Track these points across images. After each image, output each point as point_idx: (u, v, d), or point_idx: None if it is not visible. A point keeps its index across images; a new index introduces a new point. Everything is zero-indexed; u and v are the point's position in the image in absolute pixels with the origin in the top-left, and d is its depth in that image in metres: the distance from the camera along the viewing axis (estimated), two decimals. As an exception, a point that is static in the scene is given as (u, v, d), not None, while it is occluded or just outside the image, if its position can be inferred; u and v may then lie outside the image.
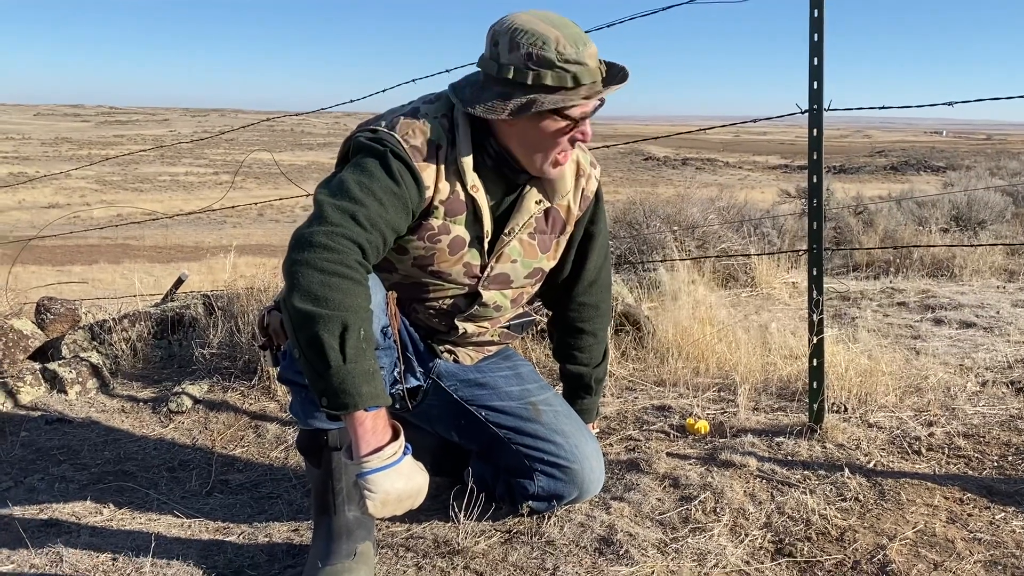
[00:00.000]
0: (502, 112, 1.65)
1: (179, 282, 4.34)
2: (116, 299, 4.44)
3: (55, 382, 3.18)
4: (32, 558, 1.93)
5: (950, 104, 2.19)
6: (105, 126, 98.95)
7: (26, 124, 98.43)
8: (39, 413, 2.99)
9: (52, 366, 3.24)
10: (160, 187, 49.04)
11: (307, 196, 2.02)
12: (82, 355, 3.35)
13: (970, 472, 2.17)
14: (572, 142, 1.75)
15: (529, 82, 1.63)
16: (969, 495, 2.04)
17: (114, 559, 1.91)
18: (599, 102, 1.71)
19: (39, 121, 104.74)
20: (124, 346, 3.44)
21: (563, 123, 1.70)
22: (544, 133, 1.71)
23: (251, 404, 2.98)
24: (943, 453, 2.28)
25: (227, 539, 2.02)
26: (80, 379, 3.20)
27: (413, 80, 3.04)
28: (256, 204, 5.24)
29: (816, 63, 2.26)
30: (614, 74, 1.70)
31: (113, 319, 3.58)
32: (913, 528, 1.89)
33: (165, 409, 2.97)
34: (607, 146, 3.97)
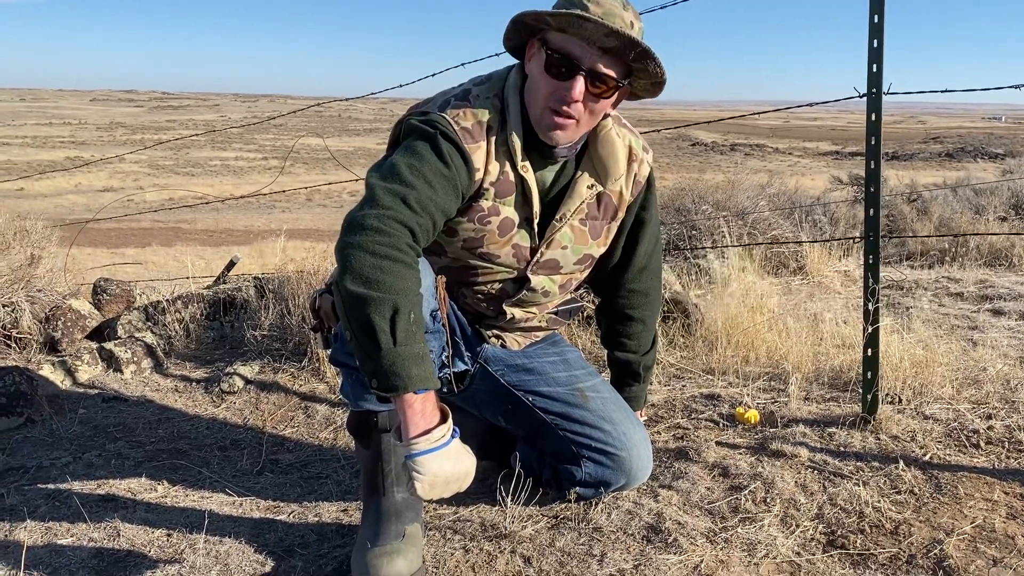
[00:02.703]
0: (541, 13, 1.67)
1: (231, 265, 4.41)
2: (169, 281, 4.54)
3: (111, 361, 3.26)
4: (91, 532, 1.98)
5: (1017, 87, 2.12)
6: (158, 111, 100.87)
7: (82, 109, 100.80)
8: (96, 391, 3.07)
9: (108, 345, 3.31)
10: (211, 171, 49.89)
11: (355, 181, 2.03)
12: (137, 335, 3.43)
13: (1031, 467, 2.11)
14: (561, 101, 1.68)
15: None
16: (1030, 490, 1.98)
17: (168, 535, 1.95)
18: (587, 68, 1.66)
19: (94, 106, 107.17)
20: (177, 327, 3.51)
21: (544, 56, 1.67)
22: (539, 70, 1.69)
23: (301, 385, 3.02)
24: (1003, 447, 2.22)
25: (277, 518, 2.05)
26: (135, 359, 3.27)
27: (462, 64, 3.03)
28: (305, 189, 5.29)
29: (876, 45, 2.20)
30: (631, 49, 1.66)
31: (167, 300, 3.65)
32: (971, 523, 1.84)
33: (217, 389, 3.02)
34: (655, 131, 3.93)
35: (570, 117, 1.71)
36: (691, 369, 2.99)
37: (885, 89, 2.21)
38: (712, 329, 3.19)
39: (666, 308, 3.32)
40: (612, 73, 1.68)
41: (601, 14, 1.63)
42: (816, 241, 5.05)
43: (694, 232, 5.23)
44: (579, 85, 1.67)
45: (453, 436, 1.52)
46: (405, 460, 1.48)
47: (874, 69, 2.21)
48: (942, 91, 2.24)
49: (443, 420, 1.52)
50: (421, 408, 1.49)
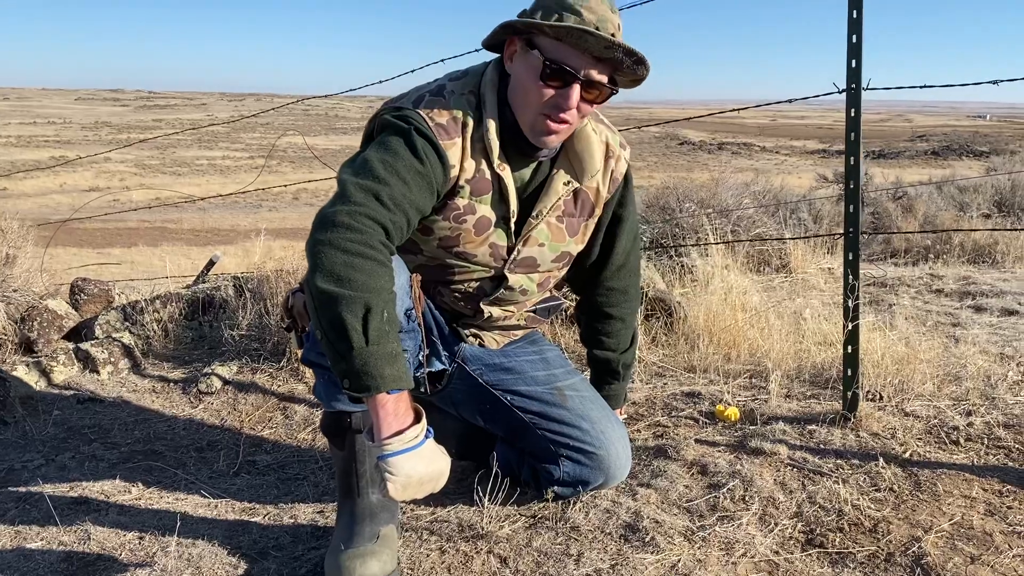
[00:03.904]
0: (531, 19, 1.63)
1: (211, 264, 4.37)
2: (149, 280, 4.49)
3: (88, 362, 3.22)
4: (61, 535, 1.95)
5: (995, 83, 2.11)
6: (144, 110, 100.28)
7: (67, 108, 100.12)
8: (71, 392, 3.03)
9: (85, 346, 3.27)
10: (197, 171, 49.65)
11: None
12: (114, 335, 3.39)
13: (1010, 463, 2.10)
14: (557, 109, 1.67)
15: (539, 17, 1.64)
16: (1009, 487, 1.98)
17: (140, 538, 1.92)
18: (584, 77, 1.64)
19: (79, 105, 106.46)
20: (156, 327, 3.47)
21: (541, 65, 1.63)
22: (531, 77, 1.66)
23: (279, 386, 2.99)
24: (982, 444, 2.21)
25: (253, 520, 2.02)
26: (112, 359, 3.23)
27: (442, 60, 3.01)
28: (287, 187, 5.27)
29: (855, 41, 2.19)
30: (628, 58, 1.64)
31: (145, 300, 3.61)
32: (950, 520, 1.83)
33: (195, 390, 2.99)
34: (640, 128, 3.92)
35: (565, 123, 1.70)
36: (673, 367, 2.97)
37: (864, 85, 2.20)
38: (694, 327, 3.18)
39: (648, 306, 3.31)
40: (604, 79, 1.67)
41: (596, 22, 1.61)
42: (798, 238, 5.06)
43: (677, 230, 5.23)
44: (576, 93, 1.66)
45: (427, 436, 1.50)
46: (378, 461, 1.46)
47: (853, 65, 2.20)
48: (920, 87, 2.24)
49: (417, 420, 1.49)
50: (394, 408, 1.46)
